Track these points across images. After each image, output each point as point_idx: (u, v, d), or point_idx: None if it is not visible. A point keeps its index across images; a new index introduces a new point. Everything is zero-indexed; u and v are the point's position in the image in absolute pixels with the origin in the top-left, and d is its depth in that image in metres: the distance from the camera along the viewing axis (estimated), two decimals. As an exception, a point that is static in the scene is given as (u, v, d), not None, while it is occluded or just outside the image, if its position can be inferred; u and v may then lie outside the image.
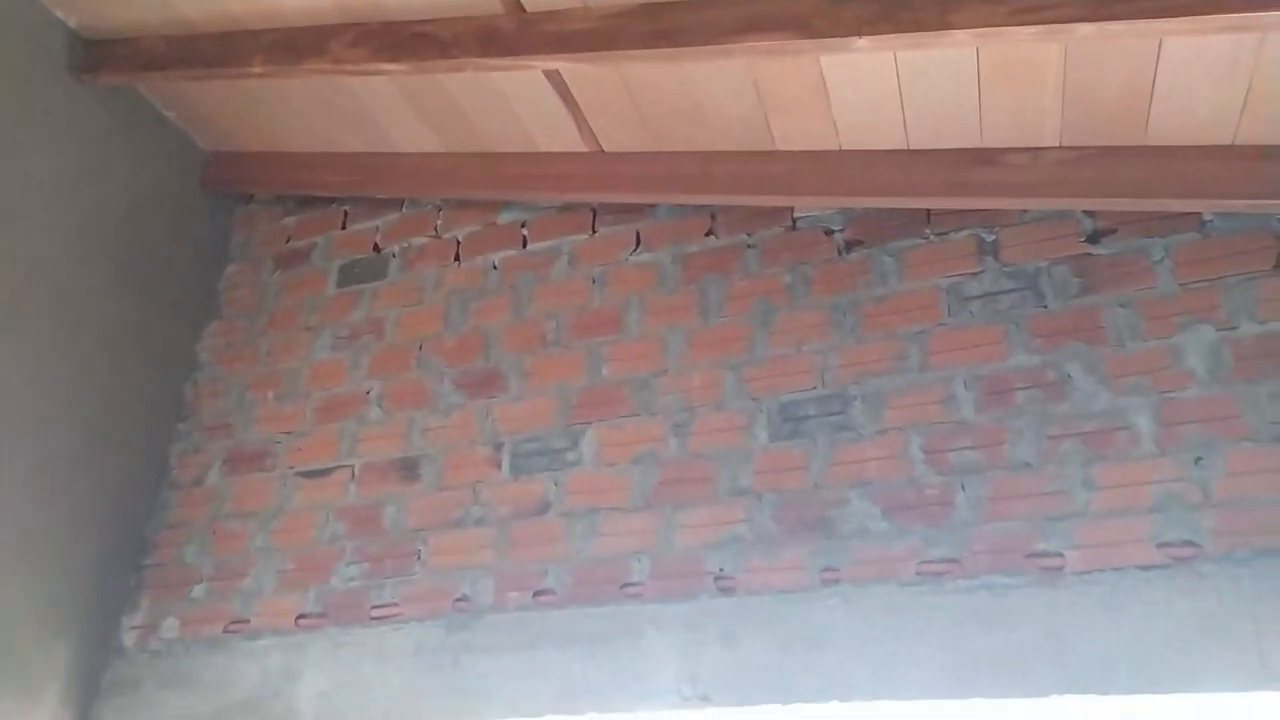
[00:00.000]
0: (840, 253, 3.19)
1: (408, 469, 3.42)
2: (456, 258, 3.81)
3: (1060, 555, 2.48)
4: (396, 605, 3.17)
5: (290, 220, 4.25)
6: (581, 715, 2.76)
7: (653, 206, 3.54)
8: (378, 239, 4.01)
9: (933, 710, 2.52)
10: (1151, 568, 2.38)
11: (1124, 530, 2.45)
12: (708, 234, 3.41)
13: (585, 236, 3.61)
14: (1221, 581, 2.31)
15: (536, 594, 3.02)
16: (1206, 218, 2.73)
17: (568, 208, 3.68)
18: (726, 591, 2.80)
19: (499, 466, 3.29)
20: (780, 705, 2.58)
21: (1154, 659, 2.27)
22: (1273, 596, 2.26)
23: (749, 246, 3.33)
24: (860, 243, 3.18)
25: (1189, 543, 2.38)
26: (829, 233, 3.24)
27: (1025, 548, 2.53)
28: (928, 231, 3.09)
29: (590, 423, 3.24)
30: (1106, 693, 2.30)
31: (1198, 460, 2.46)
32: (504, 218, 3.79)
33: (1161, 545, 2.40)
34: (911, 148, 3.03)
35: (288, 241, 4.21)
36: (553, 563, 3.05)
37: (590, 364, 3.35)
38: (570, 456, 3.21)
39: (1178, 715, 2.27)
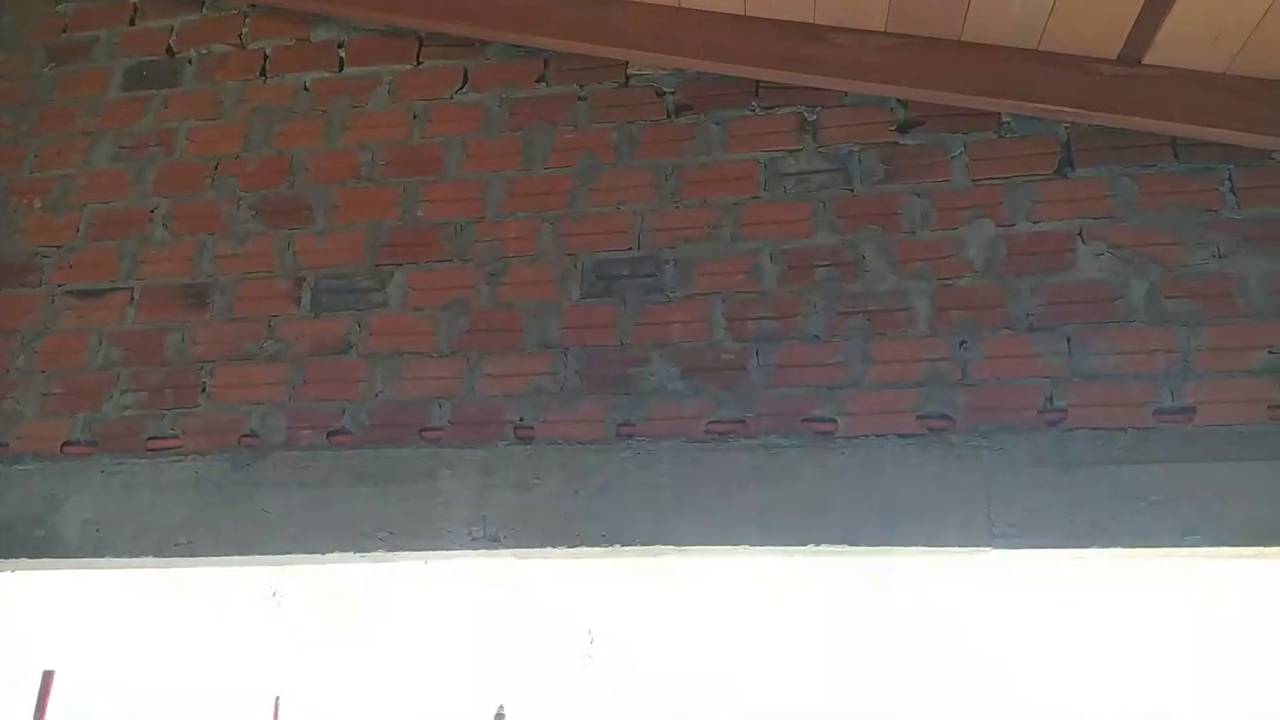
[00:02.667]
0: (670, 116, 3.17)
1: (195, 297, 3.20)
2: (263, 73, 3.49)
3: (834, 421, 2.68)
4: (177, 437, 3.03)
5: (68, 6, 3.74)
6: (370, 554, 2.78)
7: (484, 44, 3.36)
8: (172, 40, 3.60)
9: (705, 556, 2.72)
10: (911, 436, 2.62)
11: (891, 402, 2.67)
12: (539, 80, 3.29)
13: (409, 67, 3.39)
14: (965, 452, 2.57)
15: (331, 434, 2.96)
16: (1004, 119, 2.90)
17: (391, 32, 3.43)
18: (524, 440, 2.85)
19: (298, 302, 3.14)
20: (566, 549, 2.69)
21: (901, 518, 2.53)
22: (1007, 467, 2.55)
23: (579, 99, 3.24)
24: (690, 108, 3.16)
25: (944, 416, 2.63)
26: (660, 94, 3.20)
27: (803, 412, 2.71)
28: (754, 104, 3.11)
29: (400, 264, 3.13)
30: (857, 544, 2.55)
31: (962, 343, 2.69)
32: (319, 34, 3.50)
33: (921, 417, 2.64)
34: (748, 13, 3.01)
35: (64, 31, 3.71)
36: (350, 403, 2.99)
37: (405, 203, 3.22)
38: (377, 297, 3.10)
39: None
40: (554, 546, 2.71)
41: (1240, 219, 2.68)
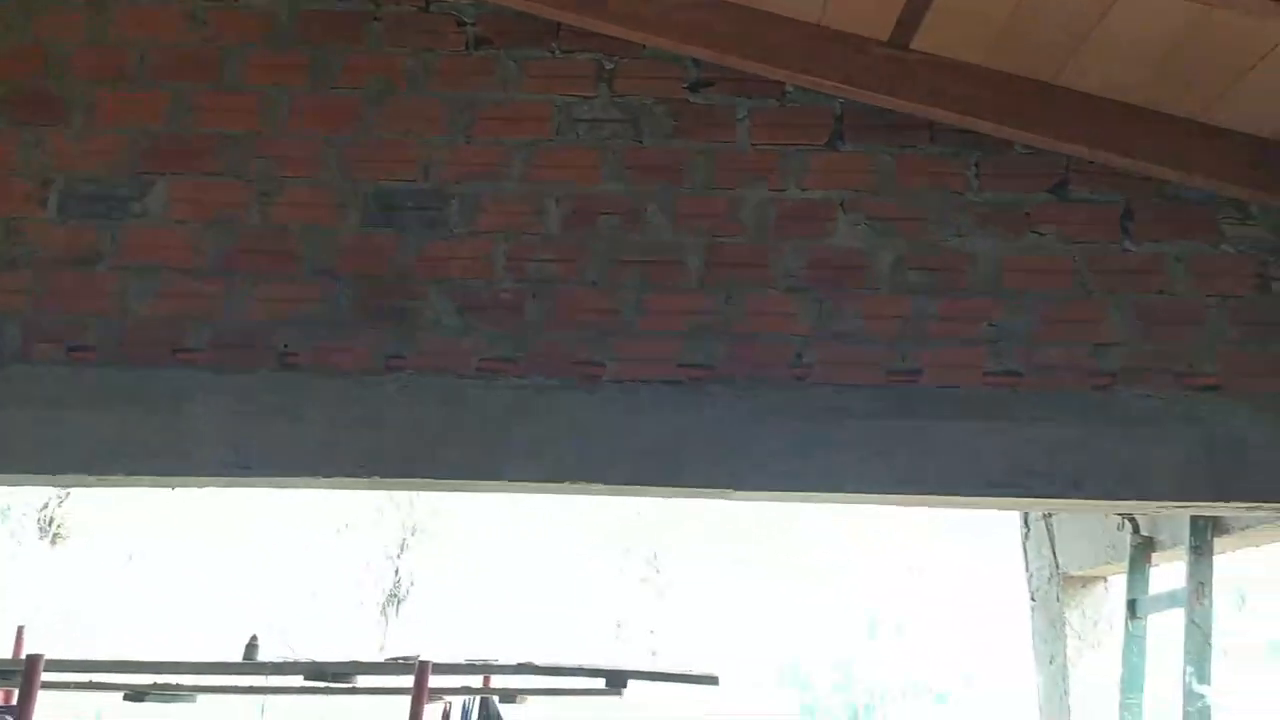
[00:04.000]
0: (468, 48, 3.10)
1: (-80, 190, 2.89)
2: (20, -50, 3.15)
3: (601, 365, 2.75)
4: (-109, 343, 2.74)
5: None
6: (107, 476, 2.63)
7: (275, -50, 3.16)
8: (-93, -101, 3.18)
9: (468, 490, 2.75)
10: (671, 383, 2.73)
11: (658, 349, 2.77)
12: (333, -6, 3.14)
13: (190, -37, 3.15)
14: (721, 400, 2.71)
15: (72, 349, 2.76)
16: (788, 88, 3.02)
17: (169, -79, 3.17)
18: (289, 368, 2.76)
19: (44, 205, 2.89)
20: (323, 479, 2.65)
21: (651, 460, 2.65)
22: (755, 417, 2.71)
23: (375, 19, 3.12)
24: (489, 41, 3.10)
25: (704, 365, 2.75)
26: (461, 24, 3.12)
27: (574, 355, 2.77)
28: (554, 45, 3.10)
29: (164, 174, 2.94)
30: (610, 483, 2.65)
31: (727, 298, 2.82)
32: (84, -87, 3.18)
33: (683, 365, 2.76)
34: (552, -46, 2.98)
35: None
36: (97, 318, 2.79)
37: (175, 109, 3.01)
38: (135, 207, 2.90)
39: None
40: (311, 476, 2.66)
41: (980, 202, 2.94)
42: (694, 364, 2.76)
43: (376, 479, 2.68)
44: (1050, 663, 4.21)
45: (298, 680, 2.74)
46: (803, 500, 2.81)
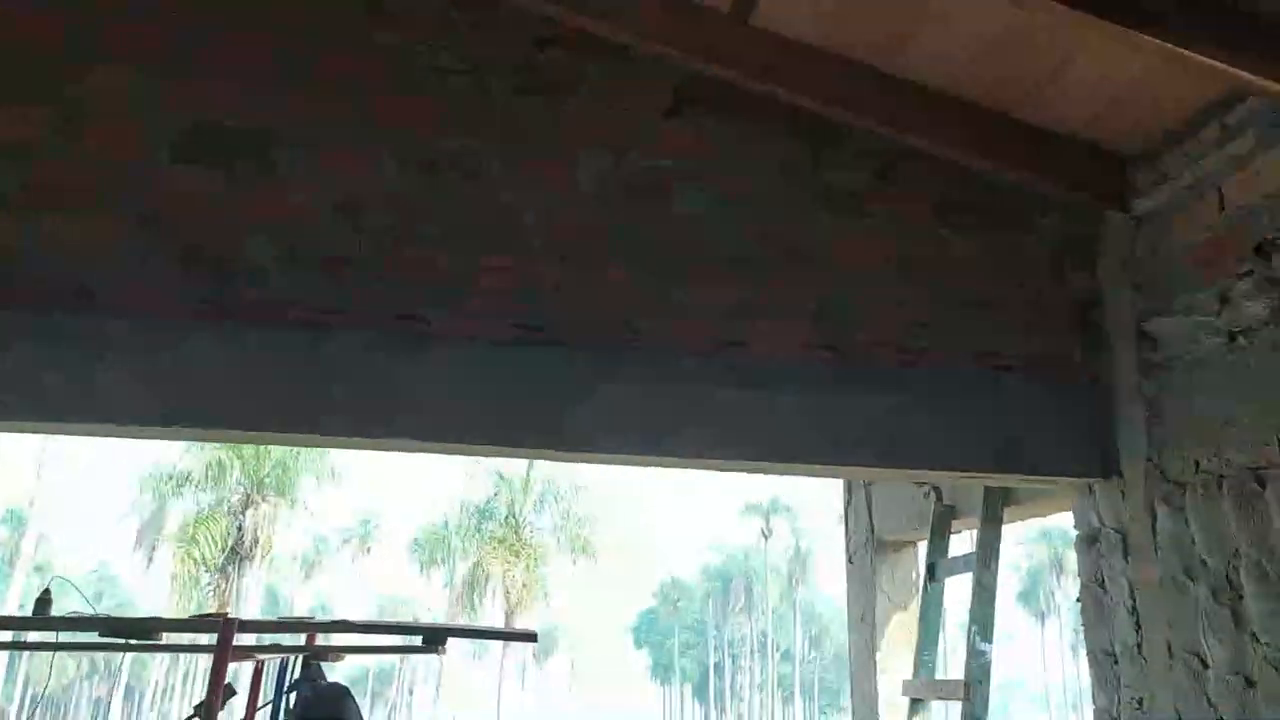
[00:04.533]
0: (305, -17, 2.95)
1: None
2: None
3: (430, 321, 2.71)
4: None
5: None
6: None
7: None
8: None
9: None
10: (502, 342, 2.72)
11: (491, 308, 2.75)
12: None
13: None
14: (552, 363, 2.73)
15: None
16: (633, 53, 3.02)
17: None
18: (92, 311, 2.59)
19: None
20: (119, 426, 2.52)
21: (477, 418, 2.65)
22: (586, 379, 2.73)
23: (203, -57, 2.92)
24: (327, -21, 2.96)
25: (536, 327, 2.75)
26: (298, -42, 2.96)
27: (403, 310, 2.70)
28: (397, -11, 2.99)
29: (-49, 91, 2.67)
30: (445, 440, 2.65)
31: (563, 261, 2.83)
32: None
33: (515, 325, 2.75)
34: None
35: None
36: None
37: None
38: (-86, 125, 2.63)
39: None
40: (109, 424, 2.52)
41: (813, 181, 3.05)
42: (526, 325, 2.75)
43: (179, 429, 2.56)
44: (862, 620, 4.47)
45: (92, 636, 2.60)
46: (632, 463, 2.87)
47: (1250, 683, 2.46)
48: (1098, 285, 3.15)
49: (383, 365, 2.65)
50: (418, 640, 3.02)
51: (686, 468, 2.92)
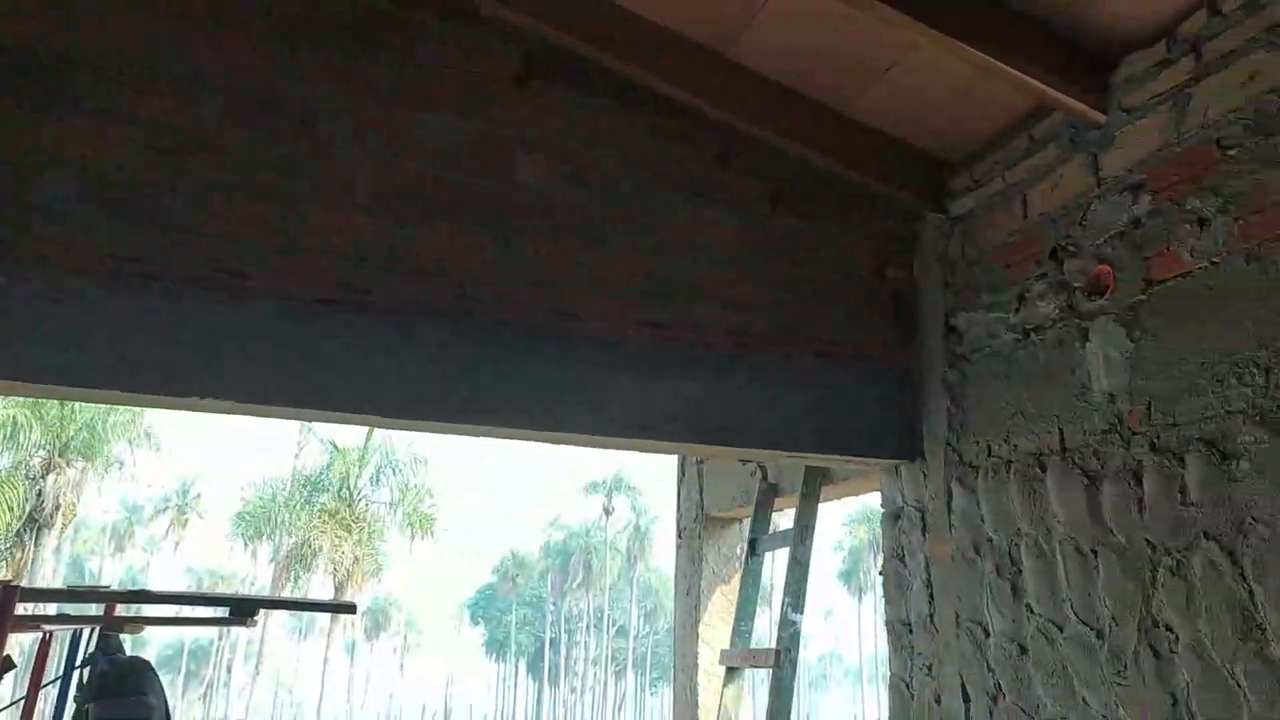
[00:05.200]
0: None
1: None
2: None
3: (251, 276, 2.57)
4: None
5: None
6: None
7: None
8: None
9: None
10: (327, 302, 2.61)
11: (317, 266, 2.63)
12: None
13: None
14: (380, 326, 2.64)
15: None
16: (485, 17, 2.96)
17: None
18: None
19: None
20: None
21: (298, 379, 2.55)
22: (417, 346, 2.67)
23: None
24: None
25: (364, 289, 2.66)
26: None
27: (221, 262, 2.55)
28: (229, -80, 2.80)
29: None
30: (254, 402, 2.51)
31: (398, 224, 2.74)
32: None
33: (342, 286, 2.64)
34: None
35: None
36: None
37: None
38: None
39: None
40: None
41: (655, 158, 3.08)
42: (354, 286, 2.66)
43: (-42, 379, 2.32)
44: (687, 594, 4.61)
45: None
46: (458, 433, 2.82)
47: (1024, 650, 2.70)
48: (914, 280, 3.35)
49: (195, 320, 2.49)
50: (226, 612, 2.87)
51: (508, 438, 2.90)
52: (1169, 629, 2.26)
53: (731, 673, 3.87)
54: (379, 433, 29.64)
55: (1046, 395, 2.73)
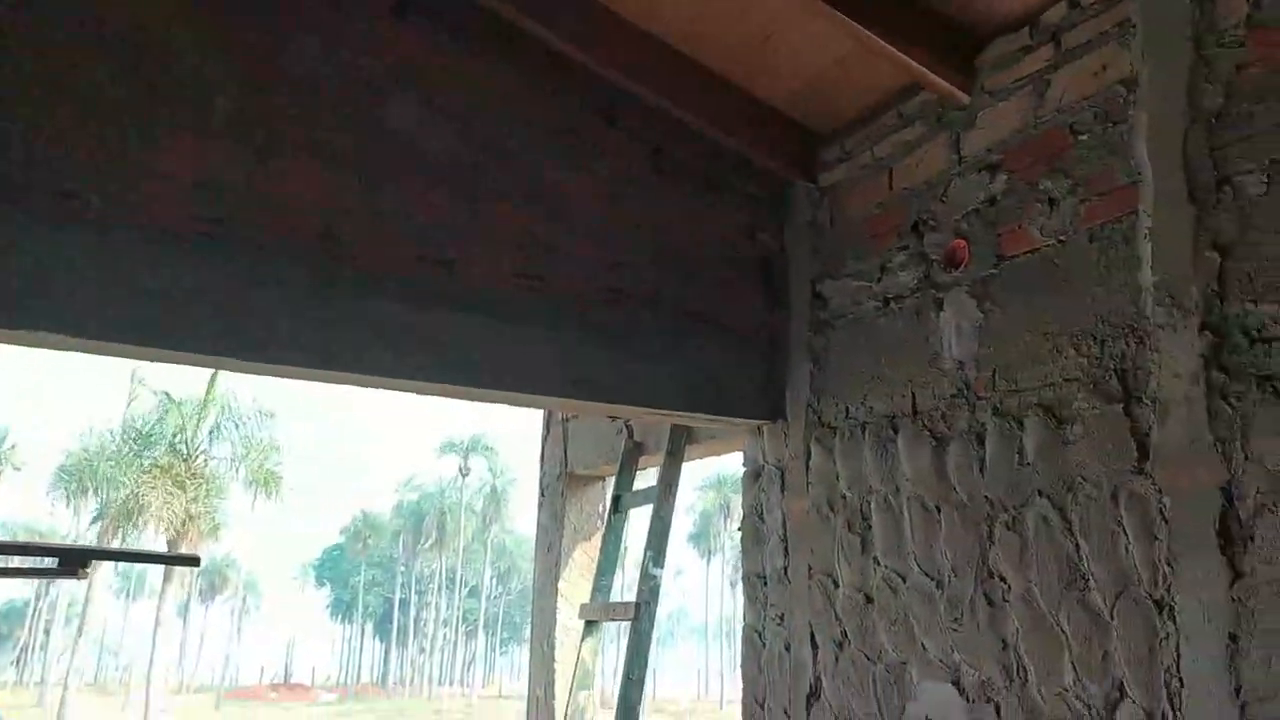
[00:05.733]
0: None
1: None
2: None
3: (89, 201, 2.36)
4: None
5: None
6: None
7: None
8: None
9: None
10: (176, 233, 2.44)
11: (167, 193, 2.44)
12: None
13: None
14: (235, 262, 2.49)
15: None
16: (358, -58, 2.80)
17: None
18: None
19: None
20: None
21: (139, 315, 2.37)
22: (276, 285, 2.53)
23: None
24: None
25: (217, 220, 2.49)
26: None
27: (59, 187, 2.32)
28: None
29: None
30: (93, 338, 2.32)
31: (257, 154, 2.57)
32: None
33: (194, 217, 2.47)
34: None
35: None
36: None
37: None
38: None
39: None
40: None
41: (540, 113, 3.02)
42: (207, 217, 2.48)
43: None
44: (548, 551, 4.62)
45: None
46: (318, 379, 2.70)
47: (870, 599, 2.85)
48: (783, 247, 3.44)
49: (27, 245, 2.27)
50: (52, 562, 2.66)
51: (373, 387, 2.81)
52: (1002, 579, 2.44)
53: (590, 626, 3.91)
54: (221, 384, 28.09)
55: (902, 361, 2.87)
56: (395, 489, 67.68)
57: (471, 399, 2.97)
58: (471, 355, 2.79)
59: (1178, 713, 2.00)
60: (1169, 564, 2.05)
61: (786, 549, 3.21)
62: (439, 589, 64.13)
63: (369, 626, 74.36)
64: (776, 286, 3.40)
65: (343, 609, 74.13)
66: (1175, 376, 2.08)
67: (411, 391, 2.85)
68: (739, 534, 3.48)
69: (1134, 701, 2.09)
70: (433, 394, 2.88)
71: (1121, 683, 2.12)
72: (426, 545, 62.75)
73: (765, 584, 3.31)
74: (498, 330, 2.82)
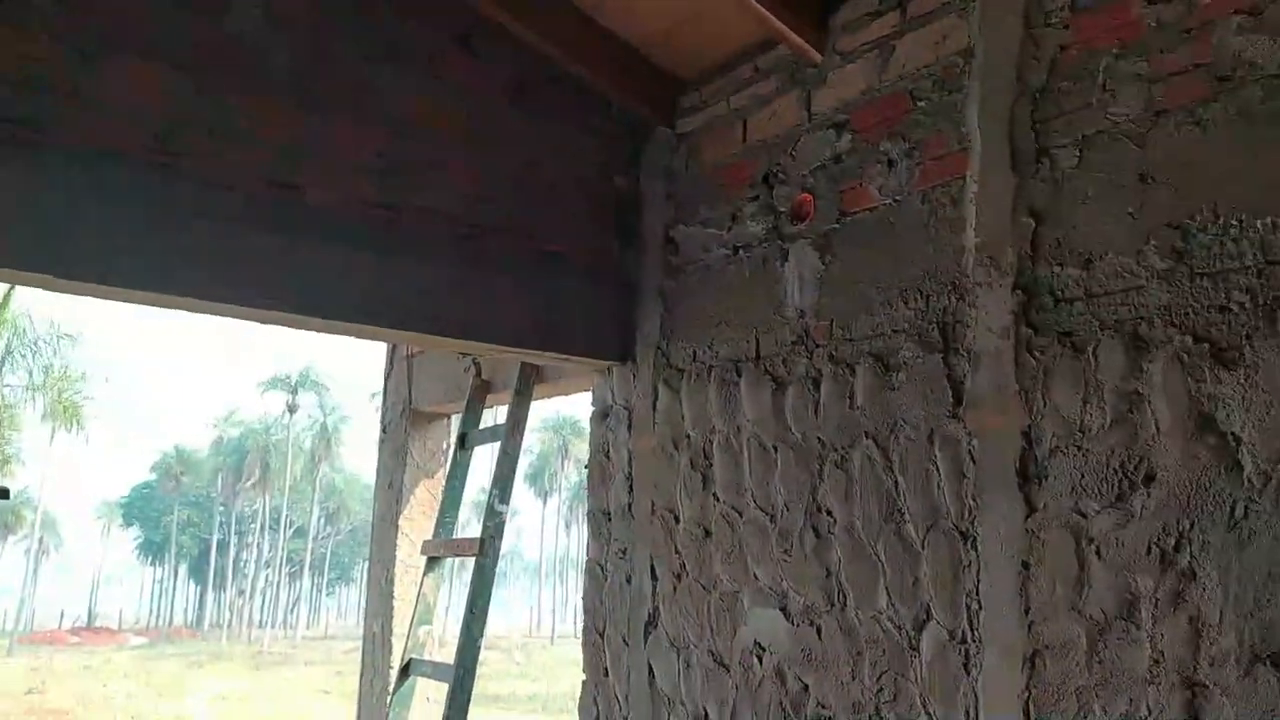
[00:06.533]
0: None
1: None
2: None
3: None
4: None
5: None
6: None
7: None
8: None
9: None
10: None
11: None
12: None
13: None
14: (55, 171, 2.28)
15: None
16: None
17: None
18: None
19: None
20: None
21: None
22: (102, 198, 2.34)
23: None
24: None
25: (34, 123, 2.27)
26: None
27: None
28: None
29: None
30: None
31: (82, 56, 2.35)
32: None
33: (7, 120, 2.24)
34: None
35: None
36: None
37: None
38: None
39: None
40: None
41: (394, 31, 2.90)
42: (20, 119, 2.26)
43: None
44: (389, 488, 4.56)
45: None
46: (142, 302, 2.54)
47: (708, 533, 3.01)
48: (639, 191, 3.48)
49: None
50: None
51: (208, 313, 2.67)
52: (829, 513, 2.63)
53: (432, 562, 3.91)
54: (15, 304, 25.52)
55: (748, 308, 2.99)
56: (215, 424, 64.08)
57: (314, 330, 2.87)
58: (316, 284, 2.70)
59: (975, 631, 2.24)
60: (974, 499, 2.28)
61: (631, 486, 3.32)
62: (262, 529, 61.59)
63: (183, 569, 70.64)
64: (631, 230, 3.45)
65: (153, 550, 69.98)
66: (989, 331, 2.29)
67: (248, 319, 2.73)
68: (586, 472, 3.55)
69: (938, 623, 2.33)
70: (271, 323, 2.76)
71: (929, 605, 2.36)
72: (248, 484, 59.96)
73: (609, 520, 3.41)
74: (345, 259, 2.73)
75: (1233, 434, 1.86)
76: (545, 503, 64.12)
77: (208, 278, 2.49)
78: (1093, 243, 2.13)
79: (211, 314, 2.70)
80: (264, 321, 2.77)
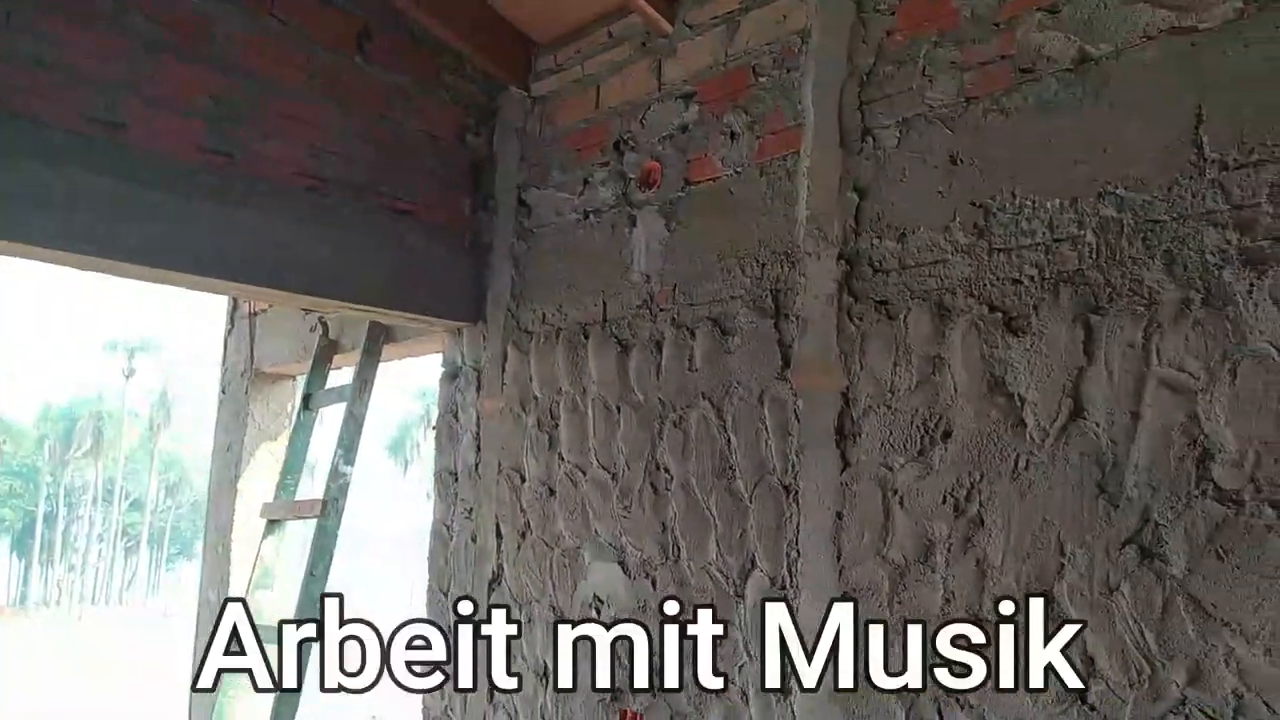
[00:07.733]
0: None
1: None
2: None
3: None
4: None
5: None
6: None
7: None
8: None
9: None
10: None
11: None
12: None
13: None
14: None
15: None
16: None
17: None
18: None
19: None
20: None
21: None
22: None
23: None
24: None
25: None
26: None
27: None
28: None
29: None
30: None
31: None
32: None
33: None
34: None
35: None
36: None
37: None
38: None
39: None
40: None
41: (229, -30, 2.78)
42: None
43: None
44: (227, 450, 4.40)
45: None
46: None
47: (552, 492, 3.07)
48: (493, 151, 3.47)
49: None
50: None
51: (25, 258, 2.51)
52: (667, 470, 2.74)
53: (272, 525, 3.82)
54: None
55: (597, 272, 3.05)
56: (42, 391, 59.37)
57: (148, 280, 2.75)
58: (148, 231, 2.58)
59: (795, 577, 2.40)
60: (797, 455, 2.43)
61: (479, 446, 3.34)
62: (94, 501, 57.66)
63: (5, 543, 65.40)
64: (484, 190, 3.44)
65: (-32, 524, 64.44)
66: (815, 298, 2.43)
67: (82, 268, 2.58)
68: (434, 432, 3.55)
69: (762, 571, 2.48)
70: (101, 271, 2.62)
71: (754, 555, 2.50)
72: (79, 454, 55.96)
73: (456, 480, 3.42)
74: (179, 207, 2.62)
75: (1019, 394, 2.06)
76: (406, 471, 62.77)
77: (23, 220, 2.34)
78: (908, 218, 2.29)
79: (27, 259, 2.53)
80: (98, 270, 2.63)
